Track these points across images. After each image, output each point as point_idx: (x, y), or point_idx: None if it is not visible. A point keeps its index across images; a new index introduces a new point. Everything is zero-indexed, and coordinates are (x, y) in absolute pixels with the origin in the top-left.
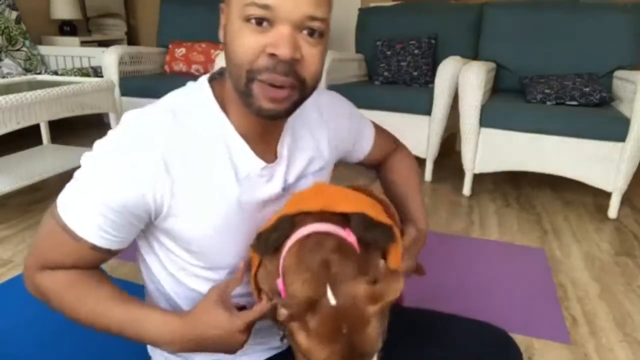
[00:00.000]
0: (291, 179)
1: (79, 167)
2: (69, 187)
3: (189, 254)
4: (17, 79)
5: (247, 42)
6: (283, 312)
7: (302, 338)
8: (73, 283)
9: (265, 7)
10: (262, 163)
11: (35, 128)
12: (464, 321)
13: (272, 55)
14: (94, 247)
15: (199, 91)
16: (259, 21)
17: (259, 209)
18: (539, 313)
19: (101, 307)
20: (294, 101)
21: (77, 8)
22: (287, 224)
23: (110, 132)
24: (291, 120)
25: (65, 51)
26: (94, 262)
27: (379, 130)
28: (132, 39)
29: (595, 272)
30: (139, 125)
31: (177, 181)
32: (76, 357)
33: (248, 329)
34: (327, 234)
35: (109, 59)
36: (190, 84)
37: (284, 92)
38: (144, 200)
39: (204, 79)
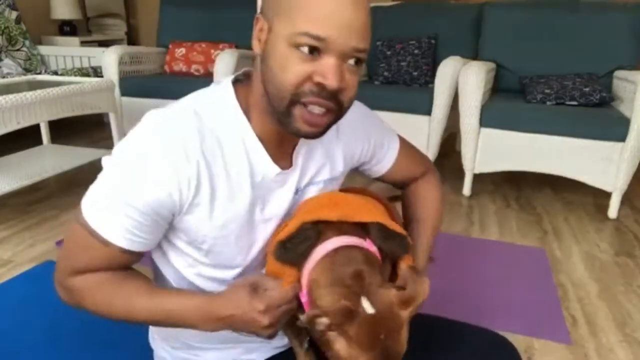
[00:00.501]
0: (302, 186)
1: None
2: (92, 191)
3: (199, 252)
4: (17, 79)
5: (295, 69)
6: (324, 321)
7: (341, 346)
8: (102, 282)
9: (318, 38)
10: (277, 169)
11: (35, 128)
12: (463, 326)
13: (319, 84)
14: (123, 250)
15: (222, 92)
16: (310, 50)
17: (269, 213)
18: (539, 313)
19: (132, 302)
20: (328, 125)
21: (77, 8)
22: (312, 232)
23: (130, 133)
24: None
25: (65, 51)
26: (124, 264)
27: (407, 149)
28: (132, 39)
29: (595, 272)
30: (160, 125)
31: (198, 179)
32: (76, 356)
33: (268, 311)
34: (353, 247)
35: (109, 59)
36: (214, 84)
37: (324, 118)
38: (169, 199)
39: (227, 81)
